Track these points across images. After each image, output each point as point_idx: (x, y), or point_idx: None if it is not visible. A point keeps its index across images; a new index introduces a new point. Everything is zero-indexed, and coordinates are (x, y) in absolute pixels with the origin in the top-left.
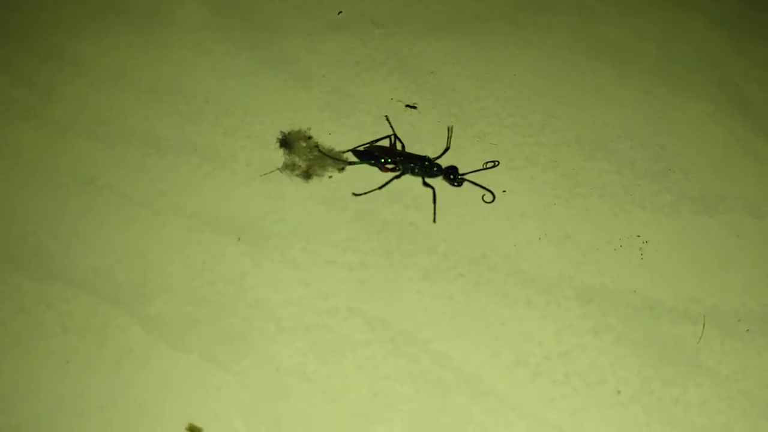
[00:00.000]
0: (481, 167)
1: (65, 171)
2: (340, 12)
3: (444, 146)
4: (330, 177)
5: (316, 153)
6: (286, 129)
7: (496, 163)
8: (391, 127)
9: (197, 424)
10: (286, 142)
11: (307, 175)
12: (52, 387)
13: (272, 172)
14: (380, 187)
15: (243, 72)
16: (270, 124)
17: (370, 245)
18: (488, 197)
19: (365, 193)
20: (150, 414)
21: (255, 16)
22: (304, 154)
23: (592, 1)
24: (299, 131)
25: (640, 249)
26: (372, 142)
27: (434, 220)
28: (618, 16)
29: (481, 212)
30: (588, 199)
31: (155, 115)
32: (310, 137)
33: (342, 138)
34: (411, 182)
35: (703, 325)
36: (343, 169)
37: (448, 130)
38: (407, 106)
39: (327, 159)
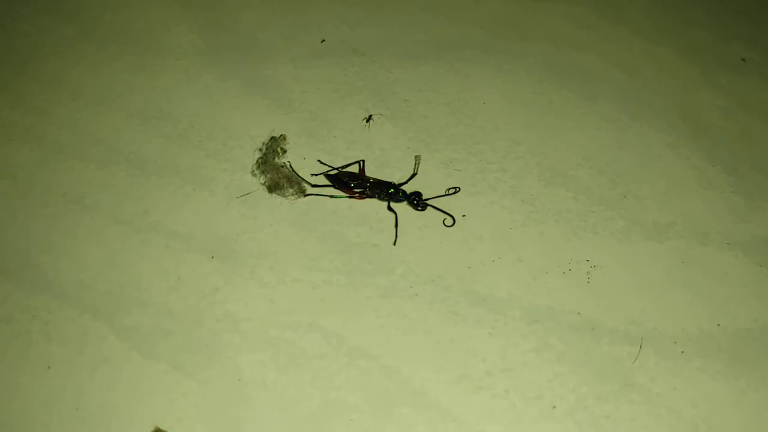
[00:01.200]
0: (443, 193)
1: (56, 191)
2: (323, 40)
3: (411, 172)
4: (291, 200)
5: (286, 171)
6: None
7: (457, 189)
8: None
9: (163, 427)
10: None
11: (271, 188)
12: (33, 390)
13: (247, 194)
14: (332, 196)
15: (228, 97)
16: (249, 149)
17: (334, 264)
18: (449, 221)
19: (320, 193)
20: (121, 416)
21: (244, 42)
22: (274, 169)
23: (569, 29)
24: (279, 139)
25: (588, 273)
26: (342, 167)
27: (395, 243)
28: (590, 45)
29: (440, 235)
30: (543, 224)
31: (143, 137)
32: (285, 150)
33: (314, 163)
34: (376, 206)
35: (640, 346)
36: (304, 194)
37: (416, 159)
38: (366, 119)
39: (293, 180)
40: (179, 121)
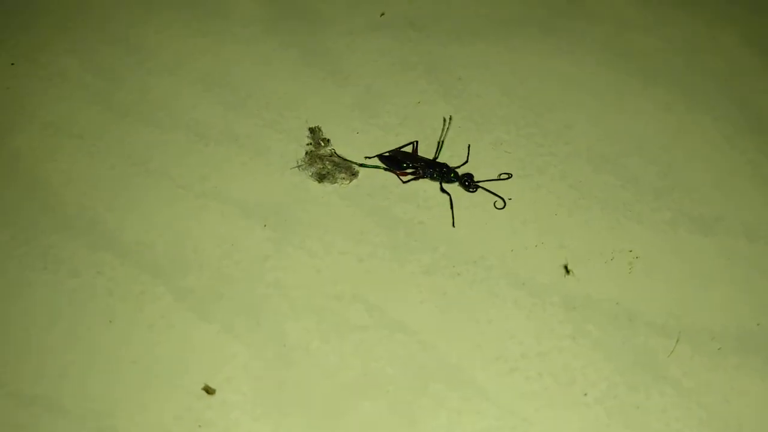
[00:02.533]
0: (495, 178)
1: (122, 153)
2: (383, 13)
3: (462, 151)
4: (343, 184)
5: (335, 159)
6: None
7: (510, 175)
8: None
9: (212, 385)
10: (313, 138)
11: (320, 178)
12: (95, 342)
13: (299, 166)
14: (406, 181)
15: (286, 67)
16: (305, 120)
17: (380, 239)
18: (499, 203)
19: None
20: (173, 372)
21: (305, 12)
22: (320, 159)
23: (629, 10)
24: (320, 131)
25: (630, 263)
26: (398, 148)
27: (453, 224)
28: (652, 27)
29: (485, 216)
30: (589, 211)
31: (203, 104)
32: (328, 140)
33: (366, 137)
34: (424, 185)
35: (677, 339)
36: (354, 176)
37: (468, 148)
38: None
39: (342, 165)
40: (239, 90)
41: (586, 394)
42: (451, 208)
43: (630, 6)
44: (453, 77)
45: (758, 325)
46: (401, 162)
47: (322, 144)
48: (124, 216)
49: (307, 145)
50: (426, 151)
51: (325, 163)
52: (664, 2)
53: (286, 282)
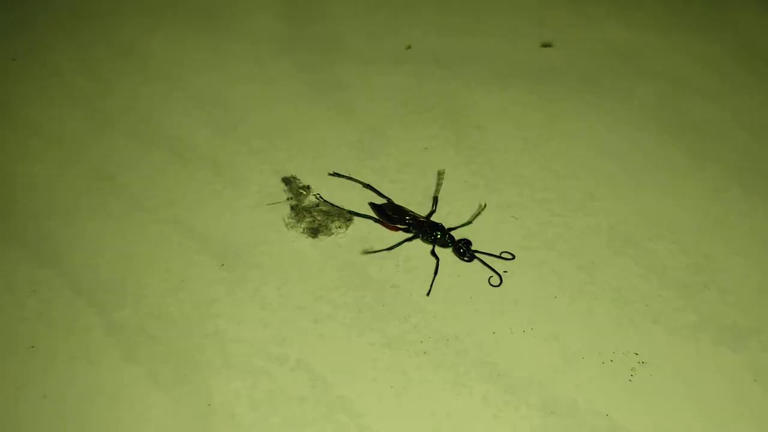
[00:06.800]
0: (496, 254)
1: (93, 164)
2: (409, 47)
3: (461, 209)
4: (339, 234)
5: (323, 208)
6: (289, 174)
7: (513, 256)
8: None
9: None
10: (291, 190)
11: (313, 233)
12: (8, 367)
13: (278, 203)
14: (390, 248)
15: (288, 93)
16: (296, 152)
17: (344, 299)
18: (495, 280)
19: (375, 251)
20: (82, 414)
21: (326, 35)
22: (307, 212)
23: (695, 71)
24: (295, 180)
25: (633, 369)
26: (389, 199)
27: (428, 294)
28: (719, 92)
29: (472, 289)
30: (596, 300)
31: (191, 123)
32: (308, 186)
33: (359, 179)
34: (412, 243)
35: None
36: (350, 221)
37: (479, 207)
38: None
39: (333, 213)
40: (233, 112)
41: None
42: (435, 274)
43: (692, 66)
44: (471, 125)
45: None
46: (391, 217)
47: (303, 193)
48: (77, 233)
49: (288, 199)
50: (418, 202)
51: (314, 215)
52: (738, 67)
53: (227, 333)
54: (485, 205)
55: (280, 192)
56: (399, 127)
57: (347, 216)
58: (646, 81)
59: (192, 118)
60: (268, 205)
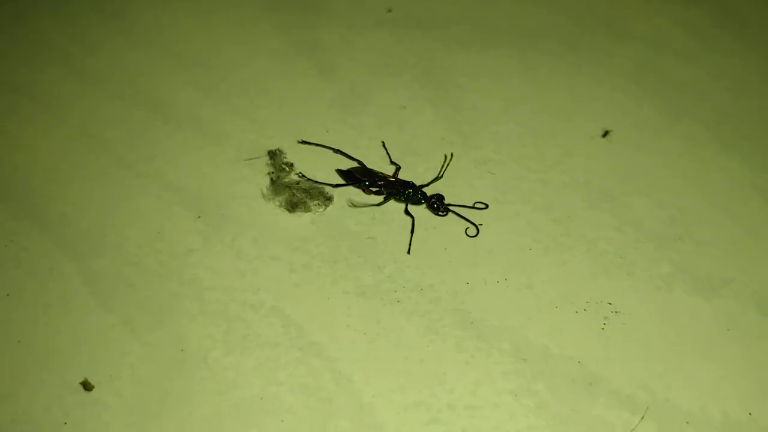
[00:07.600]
0: (470, 205)
1: (77, 122)
2: (390, 10)
3: (438, 165)
4: (320, 212)
5: (303, 185)
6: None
7: (486, 205)
8: (388, 154)
9: (92, 381)
10: (274, 164)
11: (291, 206)
12: None
13: (256, 158)
14: (378, 204)
15: (269, 53)
16: (276, 110)
17: (320, 249)
18: (471, 230)
19: (363, 206)
20: (56, 360)
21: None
22: (287, 188)
23: (675, 33)
24: (281, 154)
25: (606, 318)
26: (361, 162)
27: (408, 251)
28: (698, 54)
29: (447, 240)
30: (570, 251)
31: (174, 82)
32: (291, 164)
33: (335, 137)
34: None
35: (642, 416)
36: (329, 200)
37: (445, 157)
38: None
39: (313, 190)
40: (216, 72)
41: None
42: (411, 232)
43: (672, 29)
44: (451, 84)
45: (750, 414)
46: (360, 180)
47: (286, 169)
48: (59, 187)
49: (269, 173)
50: (397, 159)
51: (294, 191)
52: (716, 30)
53: (203, 281)
54: (452, 155)
55: (260, 148)
56: (379, 87)
57: (327, 195)
58: (627, 43)
59: (175, 77)
60: (245, 160)
